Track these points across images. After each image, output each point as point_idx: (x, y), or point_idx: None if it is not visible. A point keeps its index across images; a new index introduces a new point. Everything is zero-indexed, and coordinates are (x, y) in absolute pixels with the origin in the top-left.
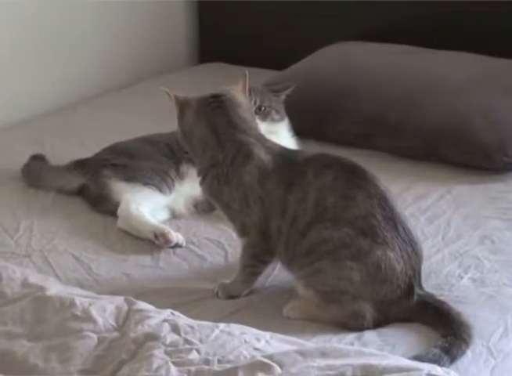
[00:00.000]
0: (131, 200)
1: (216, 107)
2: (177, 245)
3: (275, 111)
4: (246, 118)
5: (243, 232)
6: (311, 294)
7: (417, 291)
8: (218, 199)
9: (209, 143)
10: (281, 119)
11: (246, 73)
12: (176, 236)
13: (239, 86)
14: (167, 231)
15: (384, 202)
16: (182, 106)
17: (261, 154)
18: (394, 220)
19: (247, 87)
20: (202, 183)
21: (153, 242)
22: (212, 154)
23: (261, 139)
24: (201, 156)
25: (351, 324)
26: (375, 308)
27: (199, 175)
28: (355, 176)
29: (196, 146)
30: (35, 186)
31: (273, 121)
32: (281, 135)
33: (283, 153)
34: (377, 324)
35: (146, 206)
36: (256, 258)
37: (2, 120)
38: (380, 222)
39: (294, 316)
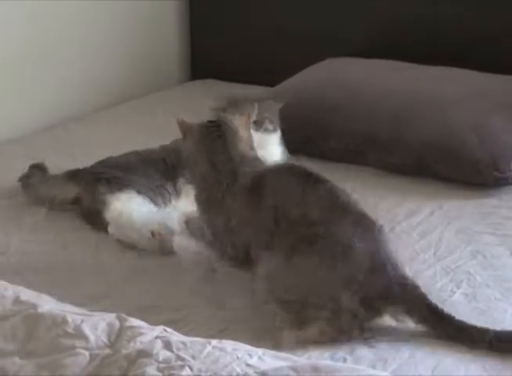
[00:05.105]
0: (123, 207)
1: (216, 137)
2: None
3: (269, 121)
4: (243, 150)
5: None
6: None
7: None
8: (206, 219)
9: (205, 170)
10: (274, 130)
11: (256, 106)
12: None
13: (244, 118)
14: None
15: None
16: (185, 131)
17: (247, 181)
18: (342, 206)
19: (252, 119)
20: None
21: (148, 249)
22: (208, 180)
23: (256, 165)
24: (198, 180)
25: (343, 326)
26: (351, 294)
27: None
28: (308, 181)
29: (194, 170)
30: (33, 197)
31: (267, 131)
32: (272, 146)
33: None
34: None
35: (139, 213)
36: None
37: None
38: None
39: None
